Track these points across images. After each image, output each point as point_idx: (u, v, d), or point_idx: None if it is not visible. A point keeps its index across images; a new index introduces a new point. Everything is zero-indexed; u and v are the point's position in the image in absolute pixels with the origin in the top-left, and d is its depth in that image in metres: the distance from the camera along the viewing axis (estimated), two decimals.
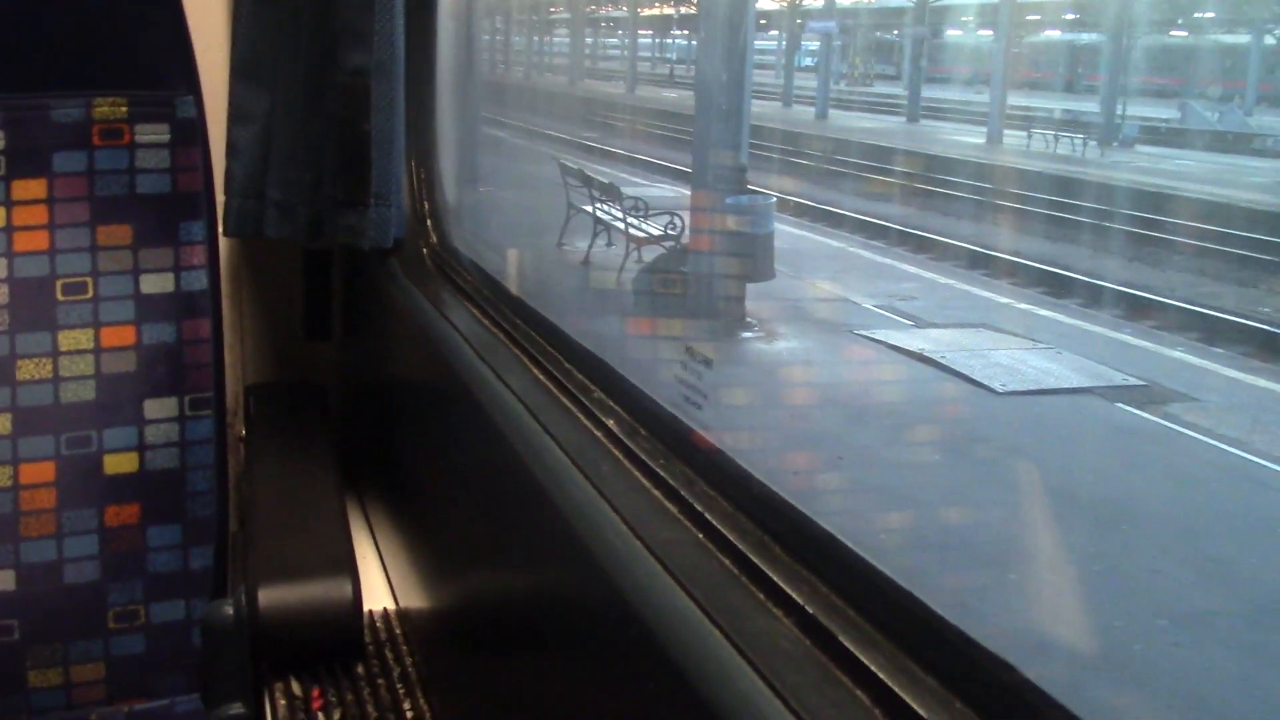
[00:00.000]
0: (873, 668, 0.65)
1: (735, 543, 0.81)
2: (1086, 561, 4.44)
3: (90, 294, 1.90)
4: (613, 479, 0.98)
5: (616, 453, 1.03)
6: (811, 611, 0.71)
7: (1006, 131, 17.59)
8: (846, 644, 0.67)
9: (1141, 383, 6.72)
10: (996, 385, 6.65)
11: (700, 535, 0.85)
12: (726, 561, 0.81)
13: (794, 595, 0.73)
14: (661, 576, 0.81)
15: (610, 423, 1.08)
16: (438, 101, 2.06)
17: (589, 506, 0.96)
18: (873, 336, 7.75)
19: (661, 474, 0.94)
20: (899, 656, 0.65)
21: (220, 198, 2.04)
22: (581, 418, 1.14)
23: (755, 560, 0.78)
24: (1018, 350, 7.49)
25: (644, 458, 0.98)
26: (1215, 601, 4.17)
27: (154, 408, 1.93)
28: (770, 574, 0.76)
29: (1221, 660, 3.76)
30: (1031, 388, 6.72)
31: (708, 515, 0.86)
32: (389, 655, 1.63)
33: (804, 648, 0.70)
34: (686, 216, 8.58)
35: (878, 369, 7.25)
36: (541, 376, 1.30)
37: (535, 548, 1.15)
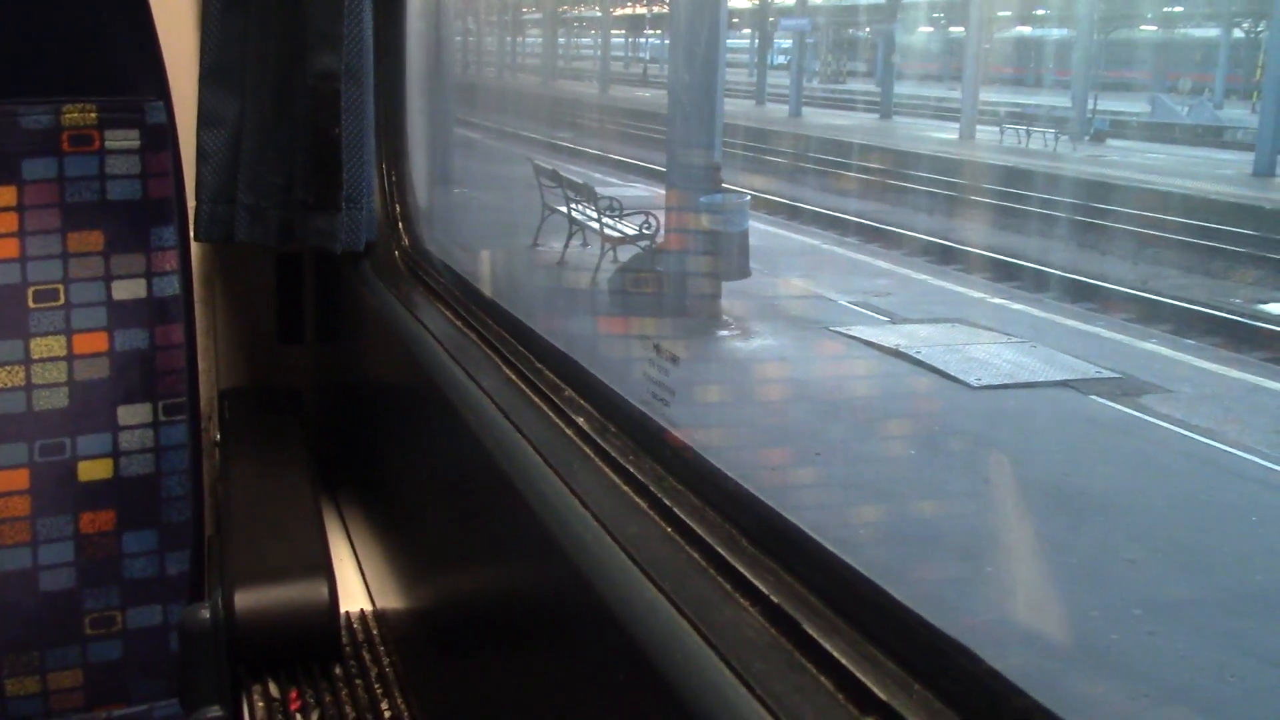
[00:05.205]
0: (835, 654, 0.66)
1: (703, 535, 0.82)
2: (1062, 552, 4.46)
3: (62, 301, 1.90)
4: (583, 476, 0.99)
5: (587, 450, 1.04)
6: (776, 601, 0.72)
7: (979, 127, 17.66)
8: (810, 631, 0.69)
9: (1115, 375, 6.77)
10: (971, 380, 6.68)
11: (669, 529, 0.87)
12: (694, 554, 0.82)
13: (760, 585, 0.74)
14: (631, 570, 0.83)
15: (580, 420, 1.09)
16: (409, 104, 2.07)
17: (560, 504, 0.98)
18: (848, 333, 7.78)
19: (631, 470, 0.96)
20: (861, 643, 0.67)
21: (191, 203, 2.04)
22: (553, 416, 1.15)
23: (722, 552, 0.80)
24: (992, 345, 7.53)
25: (614, 454, 0.99)
26: (1190, 590, 4.20)
27: (128, 414, 1.93)
28: (737, 565, 0.78)
29: (1197, 648, 3.79)
30: (1006, 381, 6.76)
31: (676, 510, 0.87)
32: (366, 656, 1.64)
33: (769, 636, 0.71)
34: (661, 216, 8.59)
35: (853, 365, 7.27)
36: (513, 376, 1.31)
37: (508, 546, 1.16)
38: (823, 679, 0.66)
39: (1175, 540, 4.57)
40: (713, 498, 0.87)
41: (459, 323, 1.56)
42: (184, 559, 1.96)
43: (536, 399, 1.21)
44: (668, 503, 0.88)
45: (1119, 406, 6.25)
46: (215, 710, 1.55)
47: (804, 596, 0.72)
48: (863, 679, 0.64)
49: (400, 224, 1.99)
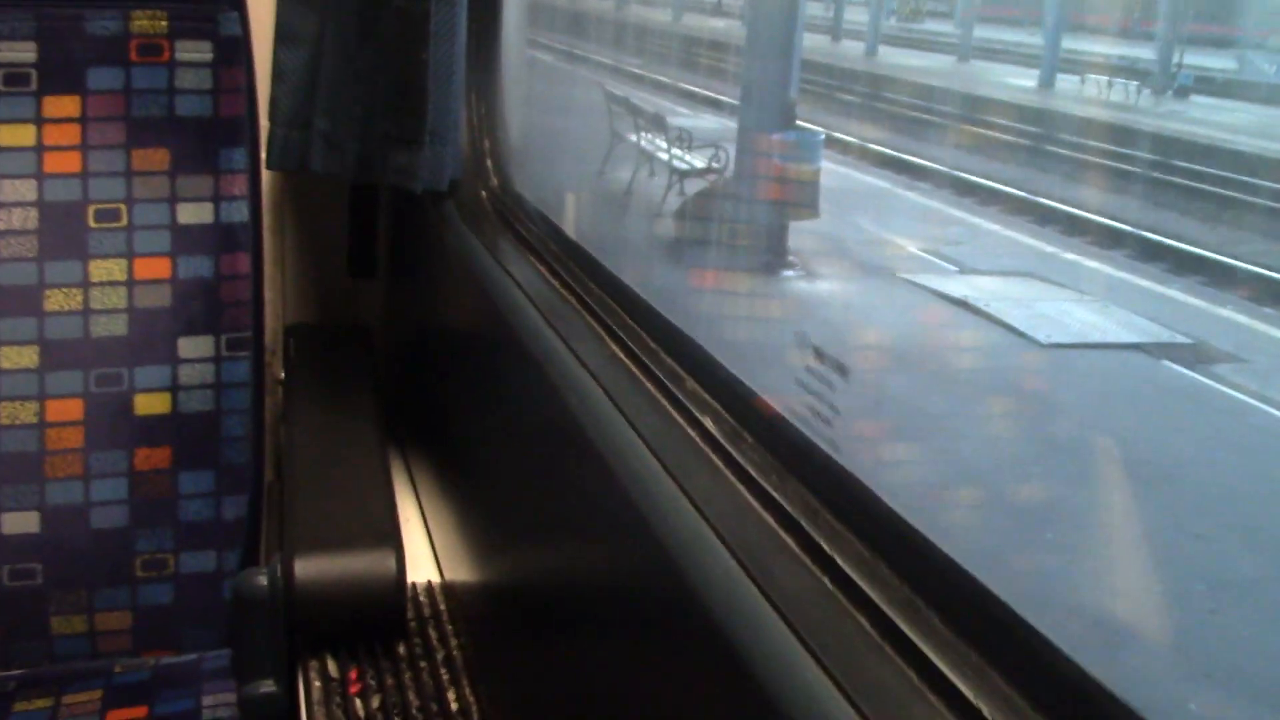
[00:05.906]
0: None
1: (878, 603, 0.66)
2: (1126, 524, 4.36)
3: (124, 222, 1.78)
4: (714, 495, 0.83)
5: (716, 460, 0.89)
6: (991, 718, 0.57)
7: (1059, 75, 17.18)
8: None
9: (1189, 340, 6.58)
10: (1040, 336, 6.52)
11: (827, 581, 0.71)
12: (864, 622, 0.66)
13: (964, 689, 0.59)
14: (779, 629, 0.67)
15: (707, 421, 0.93)
16: (505, 28, 1.89)
17: (681, 523, 0.83)
18: (915, 281, 7.61)
19: (776, 497, 0.80)
20: None
21: (264, 124, 1.90)
22: (670, 409, 1.00)
23: (905, 630, 0.63)
24: (1063, 302, 7.35)
25: (753, 473, 0.83)
26: (1257, 569, 4.10)
27: (189, 346, 1.82)
28: (928, 653, 0.61)
29: (1261, 630, 3.70)
30: (1076, 341, 6.59)
31: (839, 560, 0.71)
32: (433, 634, 1.51)
33: None
34: (732, 150, 8.40)
35: (918, 314, 7.13)
36: (619, 352, 1.16)
37: (605, 535, 1.02)
38: None
39: (1245, 517, 4.45)
40: (887, 550, 0.70)
41: (555, 281, 1.41)
42: (241, 504, 1.86)
43: (650, 384, 1.06)
44: (827, 549, 0.72)
45: (1192, 374, 6.09)
46: (269, 685, 1.44)
47: (1030, 717, 0.56)
48: None
49: (488, 162, 1.84)
